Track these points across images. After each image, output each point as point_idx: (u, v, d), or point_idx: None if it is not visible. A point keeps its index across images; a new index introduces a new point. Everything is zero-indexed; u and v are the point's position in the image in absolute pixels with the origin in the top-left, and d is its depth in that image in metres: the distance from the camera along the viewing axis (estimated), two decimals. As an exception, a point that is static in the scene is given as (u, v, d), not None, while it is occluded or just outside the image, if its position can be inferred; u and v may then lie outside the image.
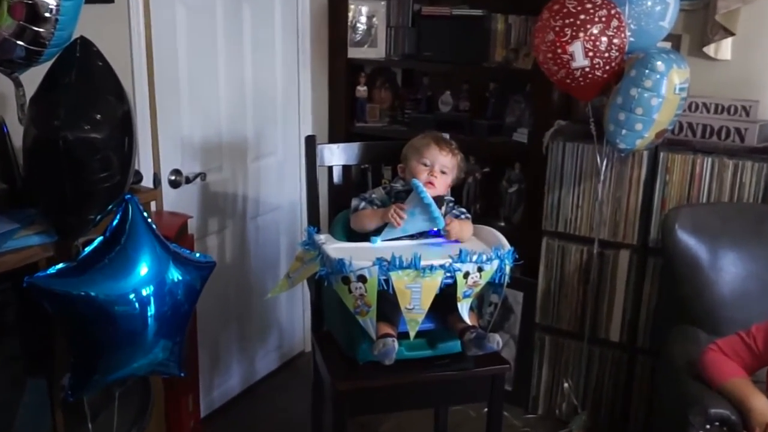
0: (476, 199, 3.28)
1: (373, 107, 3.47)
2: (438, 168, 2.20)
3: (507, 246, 2.10)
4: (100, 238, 1.82)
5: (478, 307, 2.56)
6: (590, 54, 2.35)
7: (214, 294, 2.83)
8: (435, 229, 2.12)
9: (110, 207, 1.80)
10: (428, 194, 2.06)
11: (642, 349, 2.80)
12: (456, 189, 3.09)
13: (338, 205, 2.51)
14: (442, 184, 2.21)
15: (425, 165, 2.19)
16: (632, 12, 2.39)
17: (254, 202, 3.09)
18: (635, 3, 2.39)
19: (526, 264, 2.78)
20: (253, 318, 3.20)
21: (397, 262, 1.92)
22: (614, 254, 2.78)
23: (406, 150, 2.27)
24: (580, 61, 2.36)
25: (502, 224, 3.17)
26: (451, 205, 2.25)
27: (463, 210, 2.27)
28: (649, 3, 2.39)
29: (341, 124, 3.42)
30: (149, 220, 1.87)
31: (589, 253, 2.79)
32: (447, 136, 2.37)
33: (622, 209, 2.73)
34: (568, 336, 2.91)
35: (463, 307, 2.04)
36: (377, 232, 2.13)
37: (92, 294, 1.75)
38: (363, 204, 2.20)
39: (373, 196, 2.23)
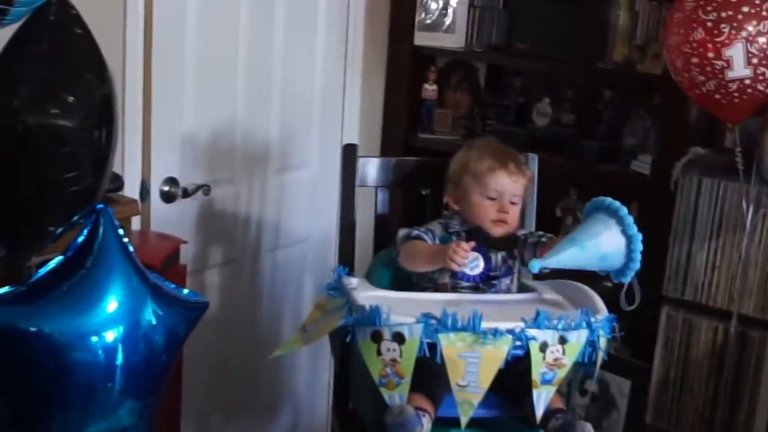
0: (576, 247, 3.27)
1: (444, 113, 3.51)
2: (508, 199, 2.23)
3: (603, 311, 2.10)
4: (60, 259, 1.88)
5: (566, 395, 2.56)
6: (754, 61, 2.36)
7: (209, 349, 2.88)
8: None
9: (76, 218, 1.87)
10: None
11: (795, 474, 2.74)
12: (550, 233, 3.11)
13: (383, 241, 2.55)
14: (513, 218, 2.24)
15: (491, 199, 2.22)
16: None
17: (274, 228, 3.16)
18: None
19: (638, 342, 2.76)
20: (261, 385, 3.24)
21: (449, 322, 1.94)
22: (761, 336, 2.74)
23: (458, 172, 2.29)
24: (740, 69, 2.38)
25: (609, 284, 3.14)
26: (523, 238, 2.26)
27: (541, 233, 2.27)
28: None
29: (399, 133, 3.48)
30: (125, 240, 1.93)
31: (726, 332, 2.76)
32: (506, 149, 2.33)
33: (776, 274, 2.71)
34: (691, 446, 2.88)
35: (541, 398, 2.02)
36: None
37: (44, 331, 1.81)
38: (417, 233, 2.23)
39: (430, 229, 2.27)
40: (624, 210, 2.06)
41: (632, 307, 2.12)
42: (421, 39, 3.42)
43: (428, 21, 3.42)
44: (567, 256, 2.05)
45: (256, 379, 3.21)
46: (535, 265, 2.03)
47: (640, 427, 2.96)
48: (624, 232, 2.05)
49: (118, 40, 2.48)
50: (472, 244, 2.14)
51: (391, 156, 3.31)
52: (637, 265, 2.06)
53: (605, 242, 2.05)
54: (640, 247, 2.05)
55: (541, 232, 2.30)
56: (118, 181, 2.28)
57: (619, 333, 2.11)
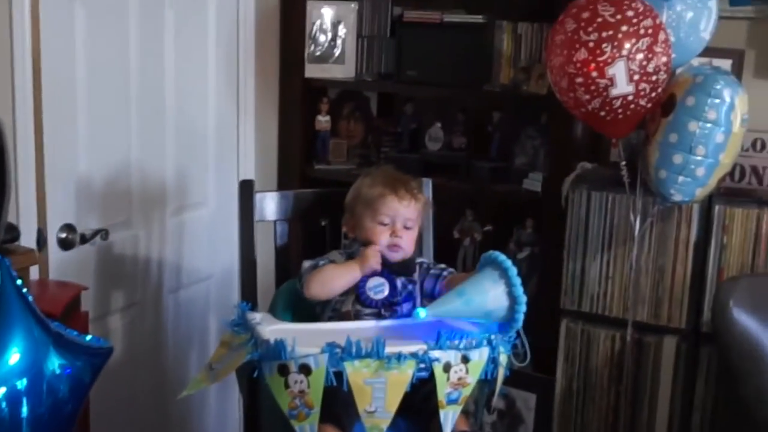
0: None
1: (339, 143, 3.56)
2: (401, 224, 2.28)
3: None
4: (-44, 313, 1.86)
5: (474, 413, 2.60)
6: (635, 77, 2.44)
7: (116, 394, 2.85)
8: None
9: (-29, 272, 1.85)
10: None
11: (696, 472, 2.83)
12: (449, 255, 3.16)
13: (285, 274, 2.58)
14: (408, 242, 2.29)
15: (384, 224, 2.27)
16: (669, 20, 2.51)
17: (175, 269, 3.15)
18: (672, 6, 2.50)
19: (541, 356, 2.82)
20: (171, 427, 3.21)
21: (354, 349, 1.96)
22: (656, 342, 2.83)
23: (352, 201, 2.34)
24: (623, 86, 2.44)
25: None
26: (425, 266, 2.32)
27: (443, 266, 2.33)
28: (688, 7, 2.51)
29: (295, 165, 3.51)
30: (24, 290, 1.91)
31: (623, 340, 2.84)
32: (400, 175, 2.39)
33: (666, 282, 2.80)
34: (597, 453, 2.95)
35: (448, 418, 2.05)
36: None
37: (-56, 388, 1.80)
38: (322, 262, 2.27)
39: (332, 260, 2.30)
40: (513, 270, 2.09)
41: (523, 364, 2.18)
42: (311, 71, 3.46)
43: (318, 53, 3.46)
44: (452, 308, 2.10)
45: (165, 421, 3.19)
46: (419, 314, 2.09)
47: (548, 438, 3.03)
48: (510, 293, 2.09)
49: (6, 85, 2.45)
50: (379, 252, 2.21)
51: (288, 188, 3.35)
52: (518, 325, 2.11)
53: (491, 300, 2.09)
54: (523, 308, 2.09)
55: (443, 265, 2.35)
56: (13, 232, 2.26)
57: (520, 349, 2.17)
